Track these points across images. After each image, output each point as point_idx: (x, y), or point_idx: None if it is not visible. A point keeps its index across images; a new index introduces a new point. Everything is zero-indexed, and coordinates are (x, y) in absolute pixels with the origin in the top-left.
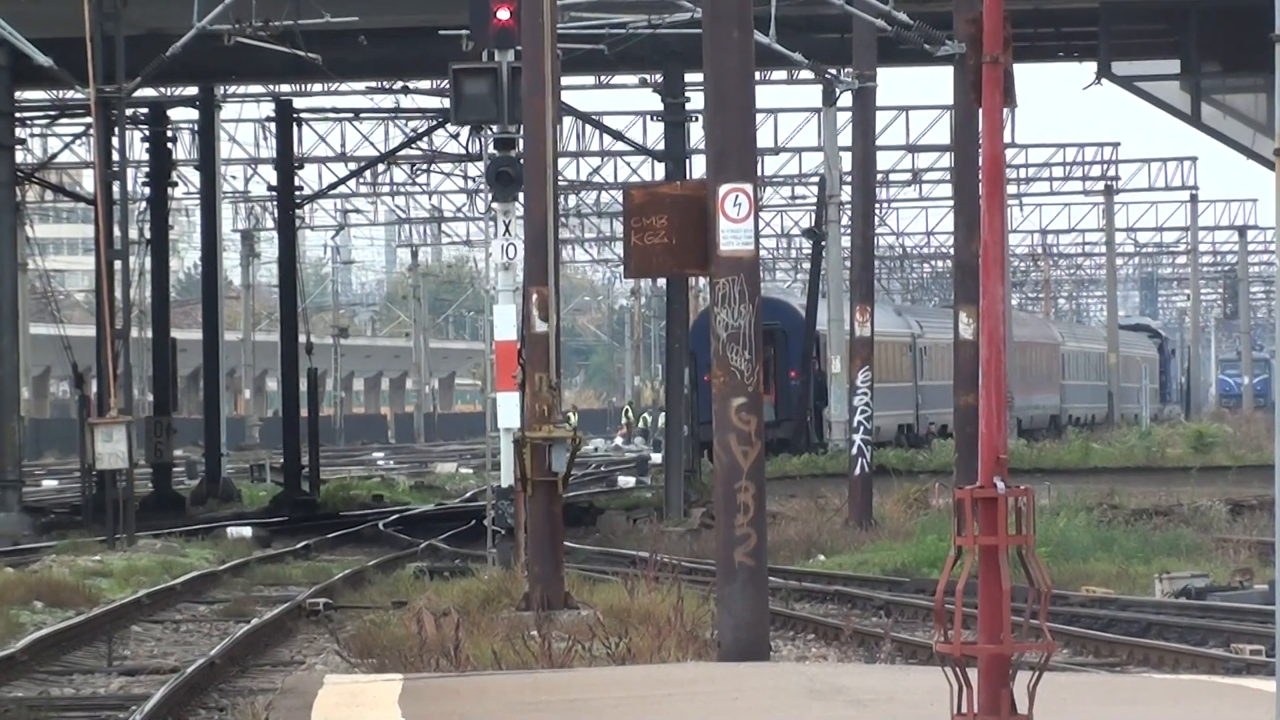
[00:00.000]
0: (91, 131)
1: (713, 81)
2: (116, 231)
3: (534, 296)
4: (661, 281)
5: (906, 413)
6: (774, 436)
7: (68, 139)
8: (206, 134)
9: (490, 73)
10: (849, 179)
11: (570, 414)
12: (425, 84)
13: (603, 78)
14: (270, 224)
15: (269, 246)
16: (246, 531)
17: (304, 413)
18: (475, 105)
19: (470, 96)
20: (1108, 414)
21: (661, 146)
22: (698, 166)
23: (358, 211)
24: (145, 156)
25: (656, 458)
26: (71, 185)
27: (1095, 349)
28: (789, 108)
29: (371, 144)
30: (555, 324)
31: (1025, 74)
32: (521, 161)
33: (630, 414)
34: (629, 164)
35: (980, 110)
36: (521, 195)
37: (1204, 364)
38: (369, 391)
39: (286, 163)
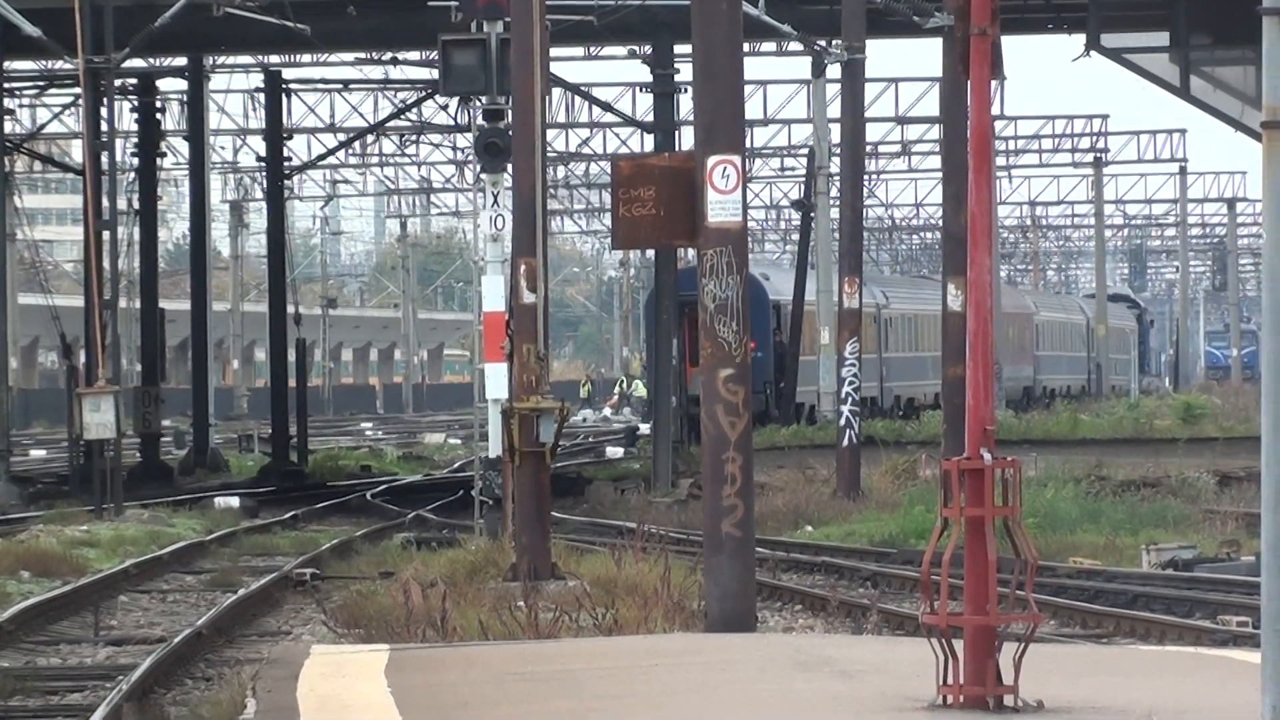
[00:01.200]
0: (80, 102)
1: (701, 53)
2: (105, 202)
3: (522, 267)
4: (650, 252)
5: (870, 384)
6: None
7: (56, 109)
8: (195, 105)
9: (479, 44)
10: (838, 151)
11: (585, 384)
12: (414, 55)
13: (592, 49)
14: (259, 195)
15: (258, 217)
16: (234, 502)
17: (292, 383)
18: (464, 76)
19: (459, 67)
20: (1085, 386)
21: (650, 118)
22: (686, 138)
23: (347, 182)
24: (134, 127)
25: (645, 428)
26: (60, 156)
27: (1070, 319)
28: (778, 79)
29: (360, 115)
30: (544, 295)
31: (1014, 45)
32: (510, 133)
33: (624, 385)
34: (618, 135)
35: (968, 82)
36: (510, 166)
37: (1192, 336)
38: (357, 362)
39: (275, 133)
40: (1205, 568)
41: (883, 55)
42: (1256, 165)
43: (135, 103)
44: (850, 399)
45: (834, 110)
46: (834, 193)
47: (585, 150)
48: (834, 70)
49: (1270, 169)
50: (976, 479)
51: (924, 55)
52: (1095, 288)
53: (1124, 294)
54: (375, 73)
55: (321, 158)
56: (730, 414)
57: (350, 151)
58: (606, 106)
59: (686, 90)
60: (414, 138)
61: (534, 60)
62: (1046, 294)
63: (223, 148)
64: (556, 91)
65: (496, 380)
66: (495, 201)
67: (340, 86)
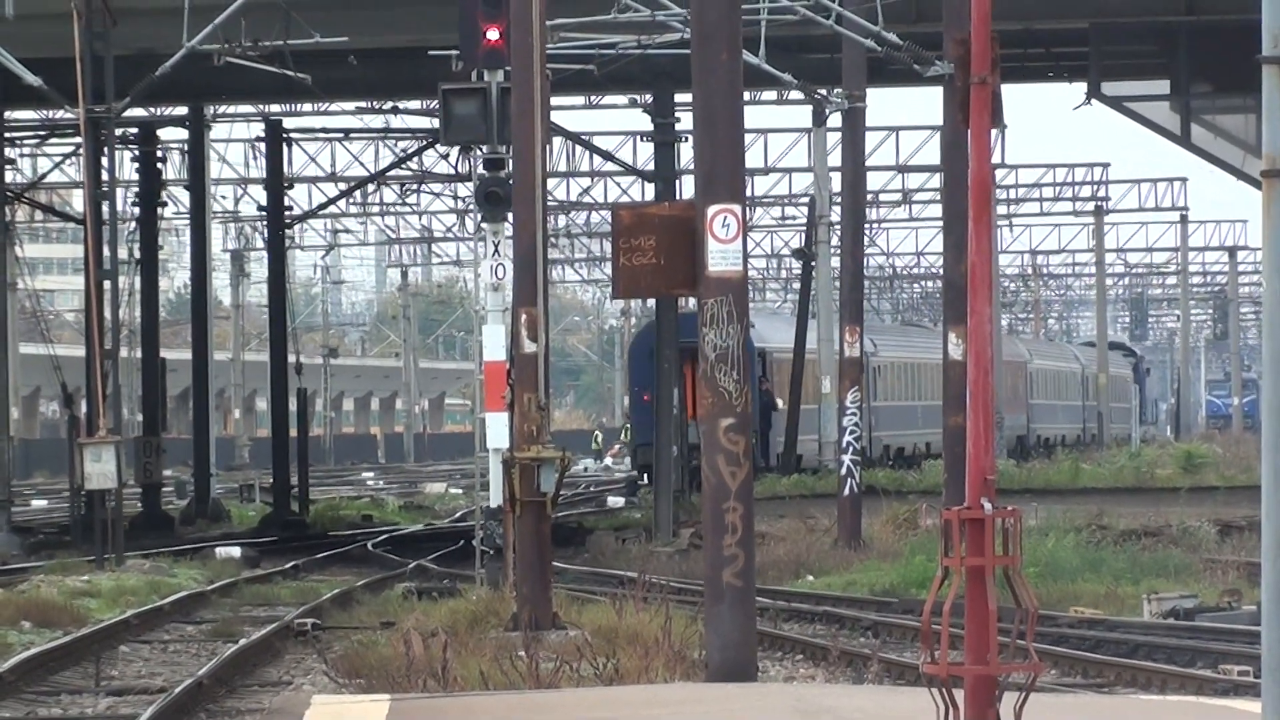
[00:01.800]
0: (81, 151)
1: (701, 102)
2: (106, 251)
3: (523, 317)
4: (651, 301)
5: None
6: None
7: (57, 159)
8: (196, 154)
9: (479, 93)
10: (839, 199)
11: (596, 436)
12: (415, 104)
13: (592, 98)
14: (260, 244)
15: (259, 266)
16: (235, 551)
17: (293, 433)
18: (465, 125)
19: (460, 117)
20: (1080, 435)
21: (651, 167)
22: (687, 187)
23: (348, 231)
24: (135, 176)
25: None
26: (61, 205)
27: (1065, 367)
28: (779, 128)
29: (361, 164)
30: (544, 344)
31: (1015, 94)
32: (511, 182)
33: (627, 434)
34: (619, 184)
35: (968, 131)
36: (511, 215)
37: (1194, 385)
38: (359, 411)
39: (276, 182)
40: (1206, 617)
41: (883, 104)
42: (1257, 214)
43: (136, 152)
44: (851, 448)
45: (834, 159)
46: (835, 241)
47: (586, 199)
48: (835, 119)
49: (1270, 217)
50: (977, 528)
51: (925, 104)
52: (1095, 336)
53: (1120, 342)
54: (376, 122)
55: (322, 207)
56: (731, 463)
57: (351, 200)
58: (607, 155)
59: (687, 139)
60: (415, 187)
61: (535, 109)
62: (1041, 342)
63: (224, 197)
64: (557, 140)
65: (497, 430)
66: (496, 250)
67: (341, 136)
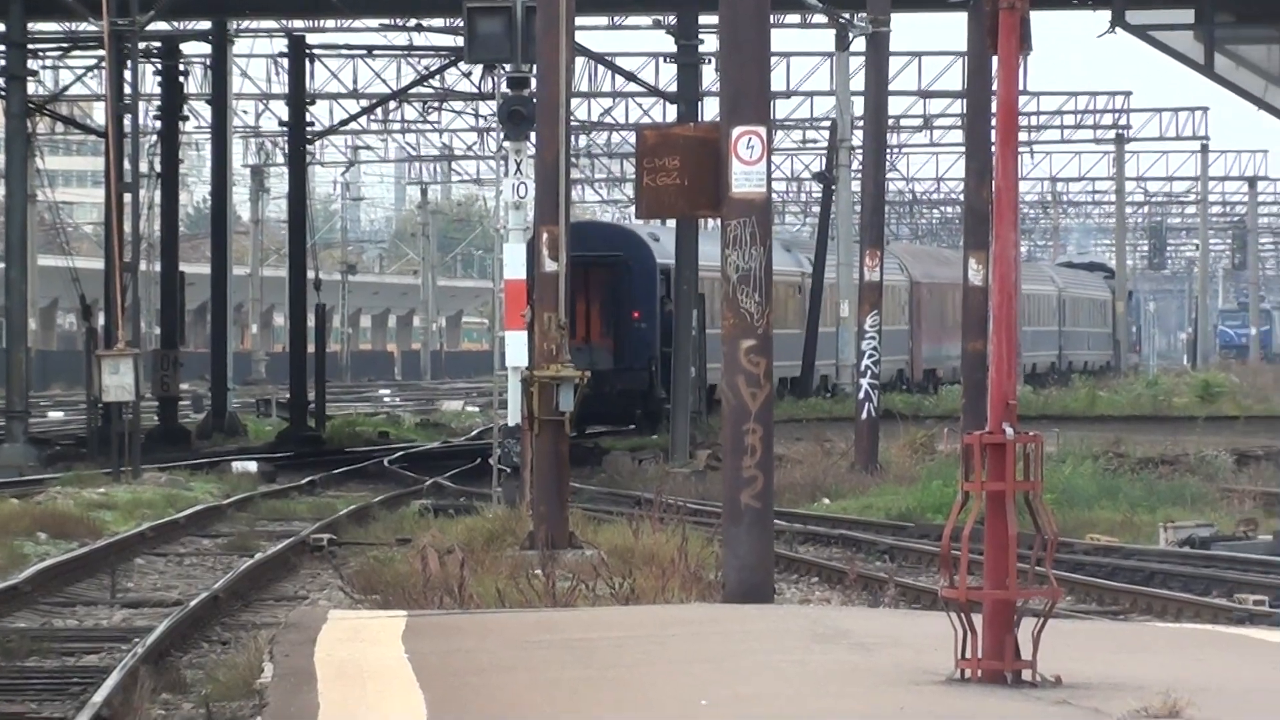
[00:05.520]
0: (104, 64)
1: (728, 24)
2: (127, 165)
3: (544, 235)
4: (670, 222)
5: (793, 364)
6: (615, 387)
7: (80, 71)
8: (219, 69)
9: (504, 11)
10: (860, 123)
11: None
12: (439, 21)
13: (616, 19)
14: (280, 159)
15: (279, 182)
16: (251, 466)
17: (311, 348)
18: (489, 44)
19: (484, 35)
20: (1054, 363)
21: (674, 88)
22: (710, 109)
23: (368, 148)
24: (157, 90)
25: None
26: (83, 118)
27: (1039, 290)
28: (802, 51)
29: (384, 81)
30: (565, 263)
31: (1038, 21)
32: (534, 101)
33: None
34: (640, 105)
35: (995, 56)
36: (533, 135)
37: (1211, 314)
38: (376, 328)
39: (298, 98)
40: (1222, 546)
41: (906, 29)
42: (1278, 144)
43: (159, 66)
44: (870, 372)
45: (857, 83)
46: (855, 166)
47: (608, 119)
48: (858, 43)
49: None
50: (998, 453)
51: (947, 29)
52: (1115, 264)
53: (1099, 262)
54: (399, 39)
55: (344, 123)
56: (752, 385)
57: (372, 117)
58: (630, 76)
59: (710, 61)
60: (436, 105)
61: (560, 28)
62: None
63: (245, 112)
64: (579, 61)
65: (517, 348)
66: (518, 169)
67: (364, 52)
